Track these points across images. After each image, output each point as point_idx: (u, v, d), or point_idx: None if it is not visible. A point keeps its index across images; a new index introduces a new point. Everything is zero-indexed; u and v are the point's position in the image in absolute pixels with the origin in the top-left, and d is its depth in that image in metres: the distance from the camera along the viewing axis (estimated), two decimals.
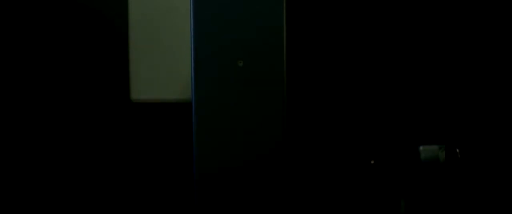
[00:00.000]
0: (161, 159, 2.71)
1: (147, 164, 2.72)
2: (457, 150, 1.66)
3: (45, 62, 2.67)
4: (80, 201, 2.70)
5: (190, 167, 2.67)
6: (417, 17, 2.68)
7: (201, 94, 2.12)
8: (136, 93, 2.59)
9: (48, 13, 2.65)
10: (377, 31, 2.68)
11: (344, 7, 2.67)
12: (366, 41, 2.68)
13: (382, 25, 2.68)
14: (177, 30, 2.56)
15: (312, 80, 2.67)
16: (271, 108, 2.13)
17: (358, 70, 2.69)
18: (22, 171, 2.69)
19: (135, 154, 2.71)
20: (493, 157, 2.68)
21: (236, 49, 2.11)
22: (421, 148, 1.68)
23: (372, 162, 1.71)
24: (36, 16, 2.65)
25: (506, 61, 2.68)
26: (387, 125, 2.69)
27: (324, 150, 2.71)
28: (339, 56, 2.68)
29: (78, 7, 2.66)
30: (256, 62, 2.11)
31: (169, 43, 2.57)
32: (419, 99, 2.69)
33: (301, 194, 2.72)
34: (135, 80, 2.58)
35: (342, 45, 2.68)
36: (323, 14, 2.67)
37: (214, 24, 2.10)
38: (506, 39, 2.66)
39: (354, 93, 2.70)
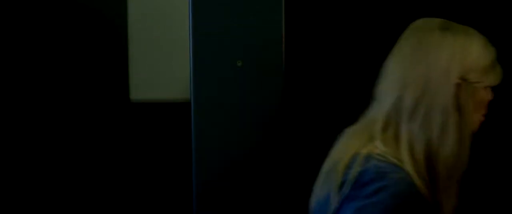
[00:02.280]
0: (160, 159, 2.72)
1: (146, 164, 2.72)
2: None
3: (45, 62, 2.67)
4: (80, 201, 2.70)
5: (189, 167, 2.68)
6: (417, 16, 2.68)
7: (200, 94, 2.12)
8: (135, 93, 2.59)
9: (48, 13, 2.65)
10: (377, 30, 2.68)
11: (343, 7, 2.68)
12: (365, 40, 2.68)
13: (382, 25, 2.68)
14: (176, 30, 2.56)
15: (311, 80, 2.67)
16: (270, 108, 2.13)
17: (358, 69, 2.69)
18: (22, 171, 2.69)
19: (135, 154, 2.71)
20: (493, 157, 2.69)
21: (235, 50, 2.11)
22: None
23: None
24: (36, 16, 2.65)
25: (505, 61, 2.67)
26: None
27: (324, 149, 2.70)
28: (338, 56, 2.69)
29: (78, 7, 2.66)
30: (255, 62, 2.11)
31: (168, 43, 2.57)
32: None
33: (301, 194, 2.72)
34: (134, 80, 2.59)
35: (341, 44, 2.68)
36: (322, 14, 2.68)
37: (213, 24, 2.10)
38: (506, 39, 2.66)
39: (354, 93, 2.70)
